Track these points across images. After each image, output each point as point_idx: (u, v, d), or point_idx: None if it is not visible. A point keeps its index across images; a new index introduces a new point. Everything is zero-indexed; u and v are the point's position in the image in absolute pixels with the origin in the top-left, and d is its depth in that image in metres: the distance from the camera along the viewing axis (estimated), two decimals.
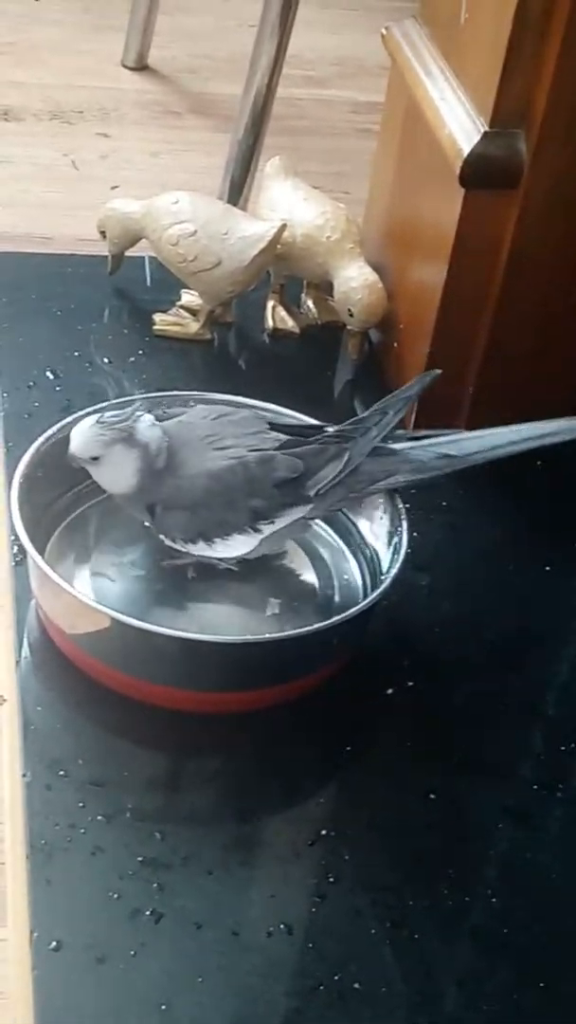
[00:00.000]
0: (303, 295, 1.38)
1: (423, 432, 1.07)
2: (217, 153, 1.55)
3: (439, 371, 1.07)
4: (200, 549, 1.02)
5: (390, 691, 1.03)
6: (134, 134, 1.72)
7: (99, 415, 1.00)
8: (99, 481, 1.02)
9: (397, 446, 1.04)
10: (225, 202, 1.43)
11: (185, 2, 2.02)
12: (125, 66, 1.86)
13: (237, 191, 1.45)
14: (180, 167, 1.65)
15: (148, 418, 1.00)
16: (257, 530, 1.02)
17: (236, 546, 1.02)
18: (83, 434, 1.00)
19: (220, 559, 1.03)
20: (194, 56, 1.91)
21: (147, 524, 1.04)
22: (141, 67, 1.86)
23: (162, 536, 1.02)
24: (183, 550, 1.02)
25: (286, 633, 0.99)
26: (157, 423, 1.01)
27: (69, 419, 1.07)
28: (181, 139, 1.72)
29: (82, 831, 0.91)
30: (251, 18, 1.64)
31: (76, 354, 1.29)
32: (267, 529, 1.02)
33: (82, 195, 1.57)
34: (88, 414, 1.03)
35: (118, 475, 1.00)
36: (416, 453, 1.04)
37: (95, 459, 1.00)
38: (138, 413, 1.00)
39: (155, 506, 1.01)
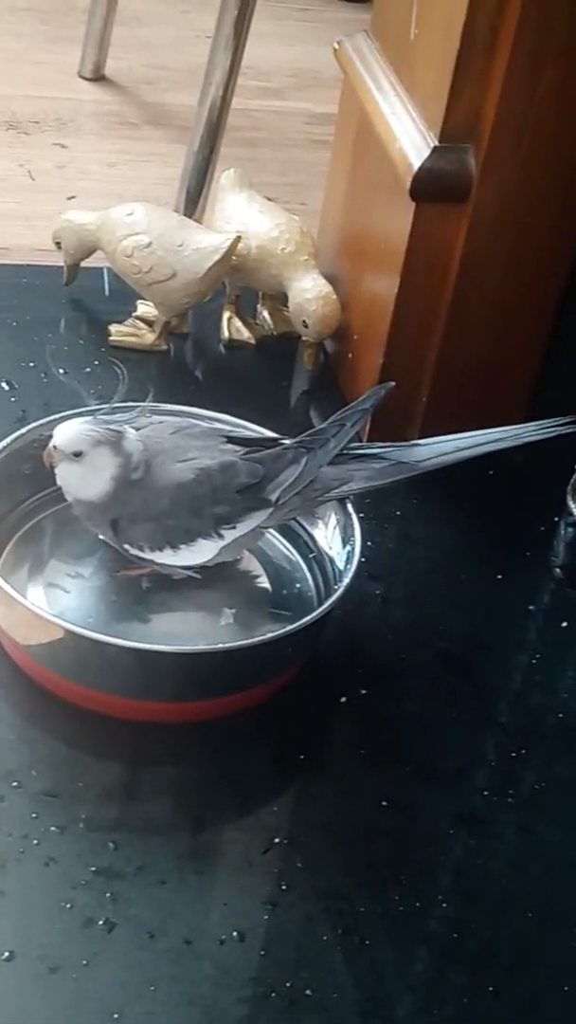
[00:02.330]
0: (258, 306, 1.39)
1: (377, 444, 1.08)
2: (173, 164, 1.54)
3: (393, 383, 1.08)
4: (166, 557, 1.03)
5: (343, 699, 1.04)
6: (91, 145, 1.71)
7: (100, 417, 1.00)
8: (68, 483, 1.02)
9: (351, 455, 1.05)
10: (181, 214, 1.44)
11: (142, 13, 2.02)
12: (82, 77, 1.85)
13: (193, 202, 1.45)
14: (137, 178, 1.65)
15: (132, 431, 1.01)
16: (220, 535, 1.02)
17: (201, 552, 1.03)
18: (73, 428, 1.00)
19: (184, 566, 1.04)
20: (151, 67, 1.90)
21: (103, 537, 1.04)
22: (98, 78, 1.85)
23: (126, 546, 1.03)
24: (148, 558, 1.03)
25: (239, 643, 1.00)
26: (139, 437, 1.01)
27: (22, 431, 1.08)
28: (137, 150, 1.71)
29: (35, 842, 0.91)
30: (208, 29, 1.64)
31: (31, 364, 1.29)
32: (229, 535, 1.03)
33: (38, 205, 1.57)
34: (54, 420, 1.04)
35: (94, 478, 1.00)
36: (369, 461, 1.06)
37: (77, 455, 0.99)
38: (136, 417, 1.01)
39: (119, 520, 1.01)
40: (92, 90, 1.83)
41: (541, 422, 1.07)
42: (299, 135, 1.81)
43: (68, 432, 1.00)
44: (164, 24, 2.02)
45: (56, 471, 1.01)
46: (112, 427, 1.00)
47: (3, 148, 1.67)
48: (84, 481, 1.00)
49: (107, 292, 1.39)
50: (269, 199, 1.45)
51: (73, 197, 1.58)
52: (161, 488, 1.01)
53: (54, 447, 1.00)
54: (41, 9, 2.00)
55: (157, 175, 1.65)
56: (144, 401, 1.05)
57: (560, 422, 1.07)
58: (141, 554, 1.02)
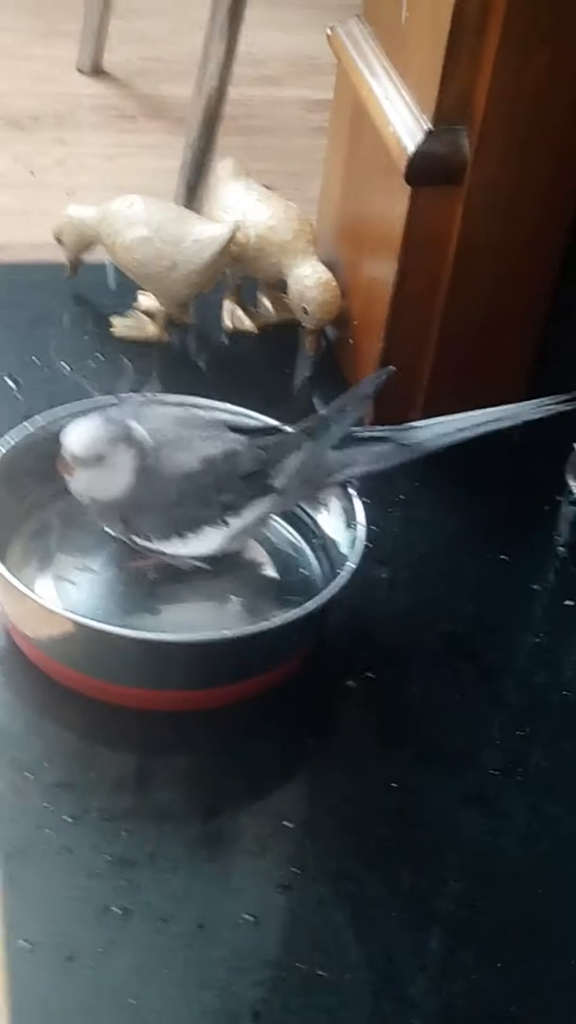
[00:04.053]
0: (259, 294, 1.39)
1: (378, 427, 1.09)
2: (171, 155, 1.55)
3: (393, 368, 1.09)
4: (174, 547, 1.03)
5: (350, 683, 1.05)
6: (90, 139, 1.72)
7: (101, 414, 1.00)
8: (87, 487, 1.01)
9: (353, 439, 1.06)
10: (180, 204, 1.44)
11: (138, 5, 2.02)
12: (79, 71, 1.86)
13: (192, 193, 1.46)
14: (135, 170, 1.66)
15: (134, 422, 1.01)
16: (226, 523, 1.03)
17: (208, 540, 1.04)
18: (86, 432, 0.99)
19: (192, 556, 1.04)
20: (147, 59, 1.91)
21: (110, 530, 1.05)
22: (95, 71, 1.86)
23: (134, 537, 1.03)
24: (156, 549, 1.04)
25: (246, 629, 1.01)
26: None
27: (28, 426, 1.09)
28: (136, 142, 1.72)
29: (50, 832, 0.93)
30: (202, 20, 1.65)
31: (35, 360, 1.30)
32: (235, 523, 1.04)
33: (40, 201, 1.57)
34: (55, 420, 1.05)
35: (115, 477, 1.00)
36: (371, 445, 1.06)
37: (99, 459, 0.99)
38: (139, 408, 1.01)
39: (128, 512, 1.02)
40: (90, 84, 1.84)
41: (539, 400, 1.08)
42: (296, 122, 1.82)
43: (82, 437, 0.99)
44: (160, 15, 2.03)
45: (71, 479, 1.01)
46: (120, 419, 1.00)
47: (3, 145, 1.67)
48: (105, 482, 1.00)
49: (113, 286, 1.39)
50: (267, 187, 1.46)
51: (73, 192, 1.59)
52: (167, 479, 1.01)
53: (72, 456, 0.99)
54: (36, 4, 2.00)
55: (156, 167, 1.65)
56: (148, 391, 1.06)
57: (558, 399, 1.08)
58: (149, 544, 1.03)
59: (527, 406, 1.07)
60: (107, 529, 1.06)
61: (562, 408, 1.07)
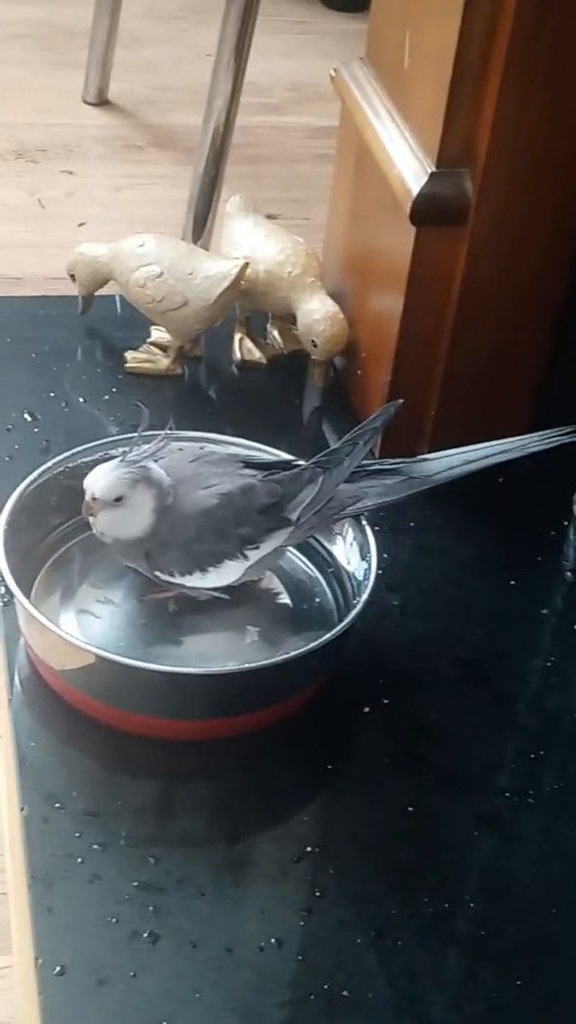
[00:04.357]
0: (268, 326, 1.43)
1: (388, 460, 1.12)
2: (179, 185, 1.59)
3: (402, 401, 1.12)
4: (195, 580, 1.07)
5: (367, 709, 1.08)
6: (98, 170, 1.76)
7: (120, 456, 1.03)
8: (109, 527, 1.04)
9: (364, 472, 1.10)
10: (191, 234, 1.48)
11: (142, 34, 2.07)
12: (86, 102, 1.90)
13: (200, 226, 1.50)
14: (144, 201, 1.70)
15: (152, 462, 1.04)
16: (245, 556, 1.06)
17: (228, 573, 1.07)
18: (107, 475, 1.02)
19: (212, 588, 1.08)
20: (152, 88, 1.95)
21: (131, 565, 1.08)
22: (102, 102, 1.90)
23: (157, 573, 1.06)
24: (178, 583, 1.07)
25: (266, 661, 1.03)
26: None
27: (48, 463, 1.12)
28: (144, 173, 1.76)
29: (79, 860, 0.95)
30: (207, 46, 1.68)
31: (52, 394, 1.33)
32: (254, 555, 1.07)
33: (50, 233, 1.62)
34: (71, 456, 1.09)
35: (136, 517, 1.03)
36: (382, 478, 1.10)
37: (119, 500, 1.02)
38: (157, 449, 1.03)
39: (151, 549, 1.05)
40: (96, 115, 1.88)
41: (545, 432, 1.11)
42: (300, 150, 1.86)
43: (103, 480, 1.02)
44: (164, 44, 2.07)
45: (94, 520, 1.04)
46: (139, 462, 1.03)
47: (13, 178, 1.72)
48: (127, 522, 1.03)
49: (119, 310, 1.42)
50: (272, 216, 1.49)
51: (84, 224, 1.63)
52: (187, 515, 1.05)
53: (93, 498, 1.03)
54: (43, 36, 2.05)
55: (164, 197, 1.69)
56: (163, 428, 1.09)
57: (564, 431, 1.11)
58: (172, 579, 1.06)
59: (533, 438, 1.11)
60: (129, 565, 1.09)
61: (567, 440, 1.10)
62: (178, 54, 2.05)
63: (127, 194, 1.71)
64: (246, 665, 1.03)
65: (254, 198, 1.42)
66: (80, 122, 1.86)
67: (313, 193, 1.69)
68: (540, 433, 1.11)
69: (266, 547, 1.07)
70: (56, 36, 2.04)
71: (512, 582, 1.20)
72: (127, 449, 1.04)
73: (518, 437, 1.11)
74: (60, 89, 1.91)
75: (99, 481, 1.03)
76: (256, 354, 1.40)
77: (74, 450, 1.13)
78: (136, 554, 1.06)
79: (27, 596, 1.04)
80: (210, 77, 1.50)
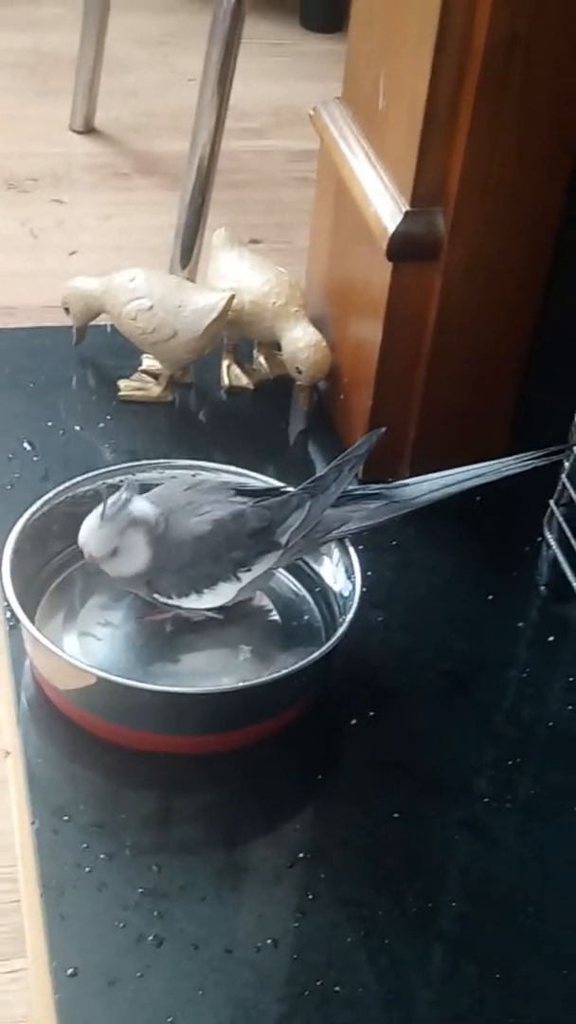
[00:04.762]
0: (255, 352, 1.49)
1: (372, 486, 1.19)
2: (165, 212, 1.63)
3: (384, 429, 1.18)
4: (192, 602, 1.12)
5: (354, 722, 1.13)
6: (87, 198, 1.81)
7: (99, 511, 1.08)
8: (113, 570, 1.10)
9: (349, 496, 1.16)
10: (179, 262, 1.54)
11: (126, 60, 2.10)
12: (73, 130, 1.94)
13: (188, 254, 1.55)
14: (132, 228, 1.74)
15: (135, 497, 1.09)
16: (238, 578, 1.12)
17: (221, 594, 1.13)
18: (95, 534, 1.08)
19: (207, 608, 1.13)
20: (137, 115, 1.99)
21: (136, 592, 1.14)
22: (88, 130, 1.94)
23: (156, 596, 1.12)
24: (176, 604, 1.12)
25: (258, 680, 1.09)
26: (142, 497, 1.10)
27: (49, 494, 1.18)
28: (130, 200, 1.81)
29: (87, 869, 1.01)
30: (189, 71, 1.73)
31: (49, 424, 1.39)
32: (246, 577, 1.13)
33: (42, 263, 1.66)
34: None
35: (135, 557, 1.09)
36: (365, 502, 1.16)
37: (115, 551, 1.08)
38: (126, 495, 1.08)
39: (151, 577, 1.11)
40: (83, 143, 1.92)
41: (520, 455, 1.17)
42: (282, 174, 1.91)
43: (93, 540, 1.08)
44: (148, 69, 2.11)
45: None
46: (120, 509, 1.08)
47: (4, 208, 1.76)
48: (126, 563, 1.09)
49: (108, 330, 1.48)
50: (256, 240, 1.54)
51: (74, 252, 1.68)
52: (182, 542, 1.10)
53: (91, 556, 1.09)
54: (29, 64, 2.09)
55: (151, 224, 1.74)
56: (154, 456, 1.14)
57: (536, 455, 1.17)
58: (170, 601, 1.12)
59: (508, 462, 1.17)
60: (131, 591, 1.15)
61: (539, 463, 1.17)
62: (162, 79, 2.09)
63: (116, 222, 1.76)
64: (239, 684, 1.10)
65: (238, 224, 1.46)
66: (68, 151, 1.90)
67: (295, 217, 1.74)
68: (514, 457, 1.17)
69: (257, 569, 1.13)
70: (43, 63, 2.08)
71: (490, 597, 1.26)
72: (103, 503, 1.08)
73: (494, 461, 1.17)
74: (48, 118, 1.95)
75: (90, 542, 1.08)
76: (243, 380, 1.47)
77: (73, 480, 1.19)
78: (138, 583, 1.12)
79: (31, 620, 1.10)
80: (193, 102, 1.54)
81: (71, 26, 1.93)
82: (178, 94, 1.99)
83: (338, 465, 1.15)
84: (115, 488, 1.09)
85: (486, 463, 1.17)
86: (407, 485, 1.17)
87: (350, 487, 1.16)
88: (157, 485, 1.16)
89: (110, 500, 1.08)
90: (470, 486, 1.17)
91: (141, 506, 1.09)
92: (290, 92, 2.08)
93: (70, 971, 0.95)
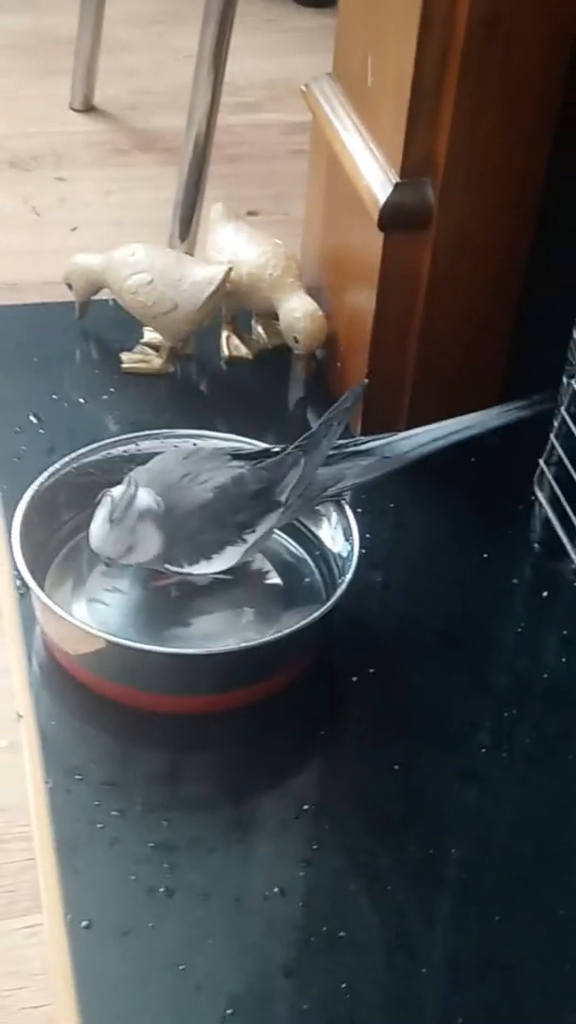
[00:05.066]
0: (253, 323, 1.51)
1: (363, 439, 1.22)
2: (164, 186, 1.66)
3: (367, 381, 1.22)
4: (201, 568, 1.15)
5: (355, 679, 1.16)
6: (87, 175, 1.83)
7: (108, 513, 1.09)
8: (132, 561, 1.12)
9: (342, 454, 1.19)
10: (178, 236, 1.57)
11: (123, 39, 2.13)
12: (73, 108, 1.96)
13: (187, 228, 1.58)
14: (132, 204, 1.77)
15: (134, 484, 1.10)
16: (244, 540, 1.15)
17: (228, 558, 1.15)
18: (108, 538, 1.10)
19: (217, 572, 1.16)
20: (135, 92, 2.02)
21: (150, 568, 1.16)
22: (88, 108, 1.97)
23: (168, 565, 1.14)
24: (187, 571, 1.15)
25: (262, 639, 1.13)
26: (142, 486, 1.12)
27: (55, 465, 1.20)
28: (130, 176, 1.83)
29: (100, 826, 1.03)
30: (184, 48, 1.75)
31: (55, 396, 1.41)
32: (250, 538, 1.15)
33: (44, 240, 1.68)
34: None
35: (149, 546, 1.11)
36: (358, 459, 1.19)
37: (129, 549, 1.10)
38: (131, 492, 1.09)
39: (163, 552, 1.13)
40: (84, 121, 1.95)
41: (503, 406, 1.21)
42: (278, 146, 1.93)
43: (107, 544, 1.09)
44: (144, 48, 2.14)
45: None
46: (124, 511, 1.09)
47: (7, 187, 1.79)
48: (143, 551, 1.11)
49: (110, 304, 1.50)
50: (253, 212, 1.57)
51: (76, 228, 1.71)
52: (188, 512, 1.12)
53: (108, 560, 1.11)
54: (29, 45, 2.11)
55: (150, 199, 1.77)
56: (158, 427, 1.15)
57: (519, 404, 1.21)
58: (181, 570, 1.14)
59: (492, 412, 1.20)
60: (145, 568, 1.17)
61: (523, 414, 1.20)
62: (158, 58, 2.11)
63: (116, 198, 1.79)
64: (244, 644, 1.13)
65: (235, 196, 1.49)
66: (69, 129, 1.92)
67: (291, 189, 1.76)
68: (499, 407, 1.20)
69: (260, 529, 1.15)
70: (42, 44, 2.10)
71: (485, 555, 1.28)
72: (108, 505, 1.09)
73: (478, 412, 1.21)
74: (48, 97, 1.98)
75: (105, 547, 1.10)
76: (242, 350, 1.49)
77: (79, 451, 1.22)
78: (157, 562, 1.14)
79: (41, 588, 1.13)
80: (190, 79, 1.57)
81: (70, 7, 1.95)
82: (175, 71, 2.01)
83: (327, 420, 1.18)
84: (110, 486, 1.11)
85: (472, 415, 1.21)
86: (398, 440, 1.21)
87: (343, 443, 1.19)
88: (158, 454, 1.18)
89: (115, 500, 1.09)
90: (459, 438, 1.20)
91: (142, 496, 1.11)
92: (284, 66, 2.10)
93: (85, 923, 0.97)
